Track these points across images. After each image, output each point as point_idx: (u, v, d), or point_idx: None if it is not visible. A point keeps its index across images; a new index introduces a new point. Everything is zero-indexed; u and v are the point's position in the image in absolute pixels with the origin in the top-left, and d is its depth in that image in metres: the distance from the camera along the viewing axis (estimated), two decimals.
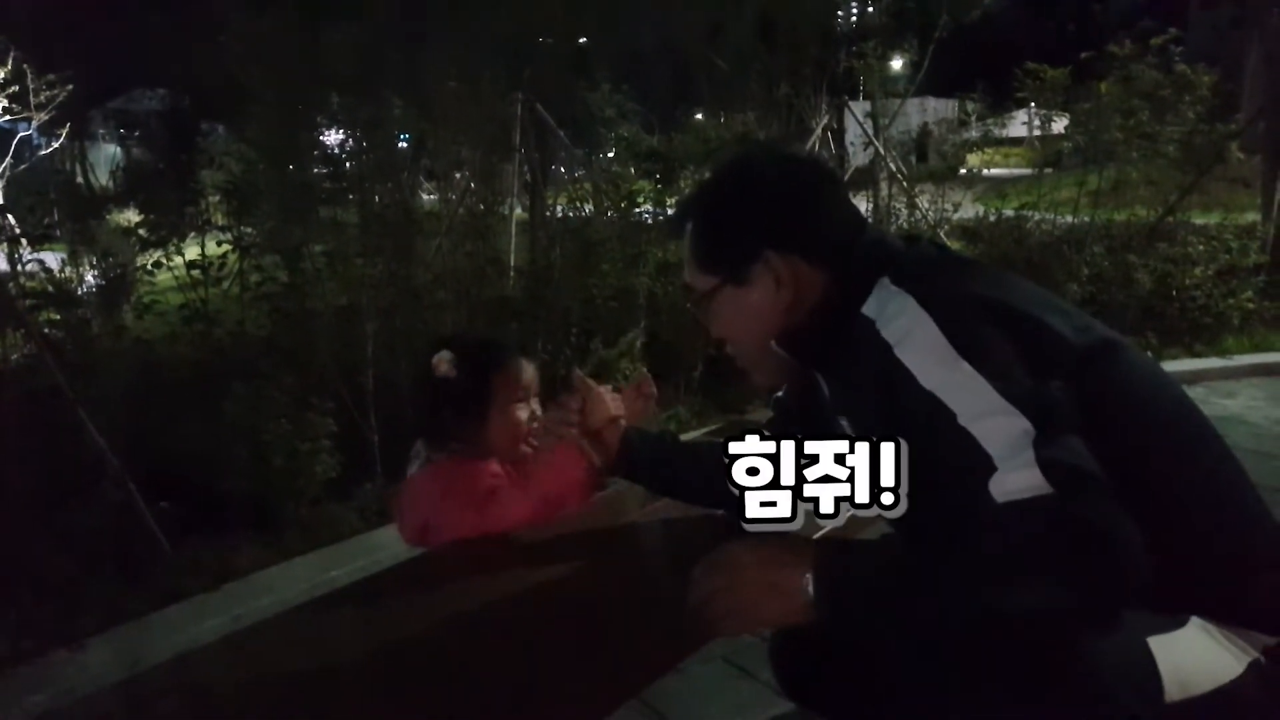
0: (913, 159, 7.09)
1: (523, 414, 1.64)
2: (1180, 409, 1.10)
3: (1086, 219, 6.60)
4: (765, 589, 0.93)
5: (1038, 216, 6.66)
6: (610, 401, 1.48)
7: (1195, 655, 0.94)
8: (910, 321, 1.00)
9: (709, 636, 1.05)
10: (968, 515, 0.90)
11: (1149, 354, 1.07)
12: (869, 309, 1.07)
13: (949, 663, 0.93)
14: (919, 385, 0.96)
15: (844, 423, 1.19)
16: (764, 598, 0.93)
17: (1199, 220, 6.85)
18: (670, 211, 5.80)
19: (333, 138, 5.03)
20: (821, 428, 1.21)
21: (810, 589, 0.91)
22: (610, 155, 6.52)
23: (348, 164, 4.75)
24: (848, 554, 0.95)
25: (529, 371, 1.68)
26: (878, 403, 1.01)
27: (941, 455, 0.93)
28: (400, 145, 5.59)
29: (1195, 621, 0.97)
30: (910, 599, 0.90)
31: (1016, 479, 0.87)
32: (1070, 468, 0.87)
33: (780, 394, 1.44)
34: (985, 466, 0.89)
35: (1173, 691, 0.91)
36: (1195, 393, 5.30)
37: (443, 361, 1.62)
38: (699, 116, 8.22)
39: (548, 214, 6.08)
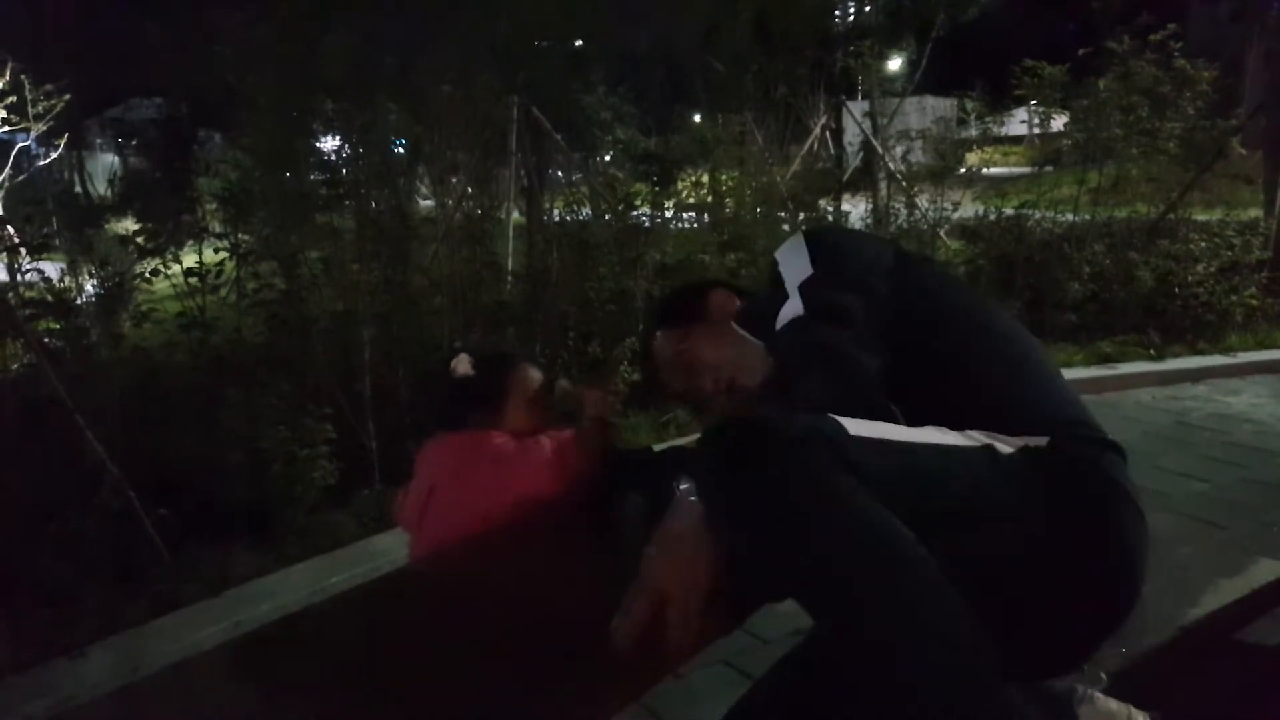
0: (911, 158, 7.07)
1: (530, 415, 1.71)
2: (968, 299, 1.39)
3: (1087, 217, 6.59)
4: (667, 535, 1.07)
5: (1038, 215, 6.64)
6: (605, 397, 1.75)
7: (894, 429, 1.11)
8: (792, 241, 1.40)
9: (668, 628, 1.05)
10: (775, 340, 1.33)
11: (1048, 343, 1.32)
12: (778, 251, 1.43)
13: None
14: (778, 271, 1.36)
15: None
16: (668, 539, 1.07)
17: (1201, 217, 6.84)
18: (668, 214, 5.82)
19: (329, 144, 5.03)
20: None
21: (693, 495, 1.08)
22: (607, 158, 6.52)
23: (344, 170, 4.75)
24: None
25: (536, 375, 1.77)
26: (768, 305, 1.38)
27: (776, 311, 1.32)
28: (396, 151, 5.59)
29: (928, 427, 1.15)
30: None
31: (788, 308, 1.29)
32: (820, 298, 1.25)
33: None
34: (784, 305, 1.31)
35: (859, 430, 1.05)
36: (1199, 390, 5.34)
37: (461, 363, 1.73)
38: (696, 118, 8.21)
39: (545, 218, 6.07)
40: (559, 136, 6.03)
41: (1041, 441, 1.16)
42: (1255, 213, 7.10)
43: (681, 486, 1.11)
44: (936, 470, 1.08)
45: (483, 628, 1.20)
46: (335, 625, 1.27)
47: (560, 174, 6.76)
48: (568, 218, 5.95)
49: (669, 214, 5.95)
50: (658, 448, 1.72)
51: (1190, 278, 6.09)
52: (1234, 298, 6.06)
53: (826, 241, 1.37)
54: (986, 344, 1.30)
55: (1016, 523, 1.09)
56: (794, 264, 1.34)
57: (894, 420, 1.15)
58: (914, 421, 1.17)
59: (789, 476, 0.97)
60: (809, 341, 1.21)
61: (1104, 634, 1.15)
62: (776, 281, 1.37)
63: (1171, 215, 6.52)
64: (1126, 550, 1.13)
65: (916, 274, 1.35)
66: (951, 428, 1.17)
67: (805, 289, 1.28)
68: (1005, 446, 1.14)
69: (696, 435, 1.65)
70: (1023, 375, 1.28)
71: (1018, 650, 1.02)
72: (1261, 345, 5.85)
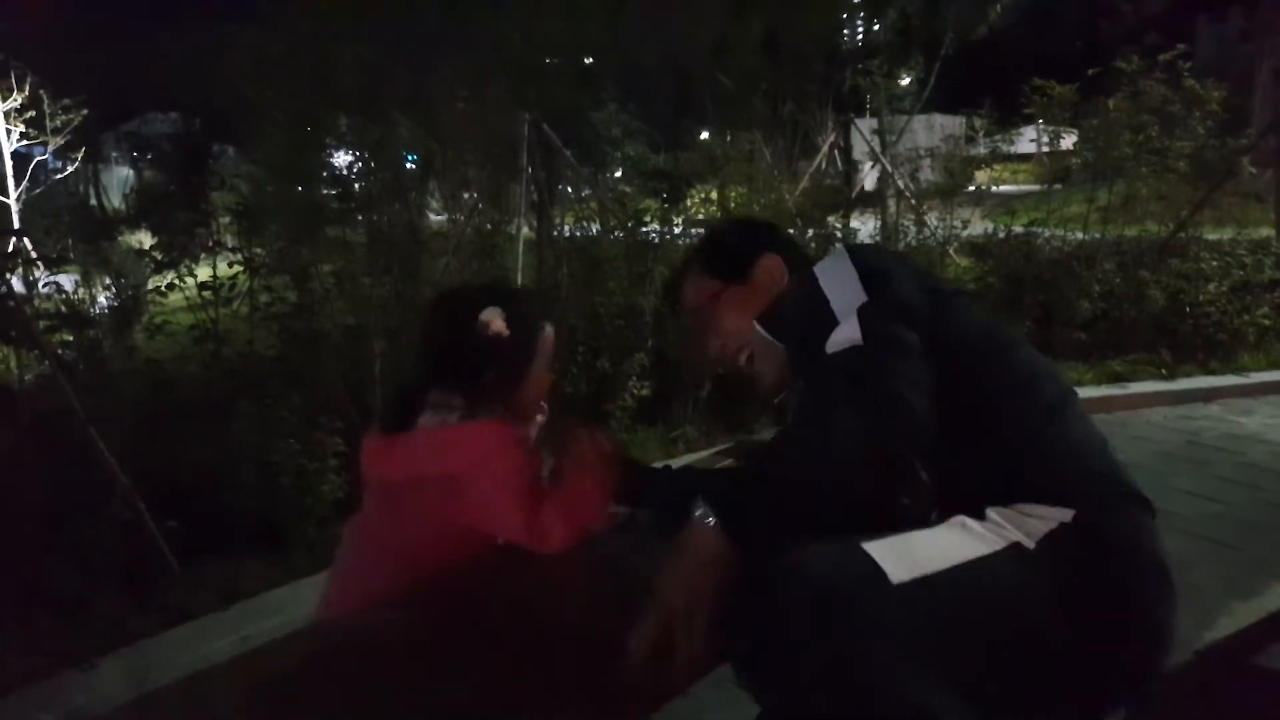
0: (920, 176, 7.08)
1: (544, 383, 1.61)
2: (1000, 342, 1.31)
3: (1097, 235, 6.58)
4: (686, 560, 1.09)
5: (1047, 233, 6.63)
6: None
7: (927, 544, 1.08)
8: (833, 258, 1.33)
9: (676, 646, 1.07)
10: (817, 365, 1.22)
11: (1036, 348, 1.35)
12: (817, 266, 1.35)
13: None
14: (820, 287, 1.27)
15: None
16: (681, 559, 1.10)
17: (1211, 236, 6.82)
18: (677, 230, 5.84)
19: (341, 159, 5.07)
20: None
21: (710, 518, 1.10)
22: (617, 174, 6.54)
23: (356, 185, 4.79)
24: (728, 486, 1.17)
25: (551, 331, 1.64)
26: (804, 324, 1.29)
27: (815, 332, 1.23)
28: (408, 166, 5.63)
29: (955, 520, 1.12)
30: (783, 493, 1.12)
31: (842, 333, 1.20)
32: (882, 329, 1.18)
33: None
34: (830, 324, 1.22)
35: (898, 573, 1.00)
36: (1211, 410, 5.31)
37: (495, 319, 1.52)
38: (705, 135, 8.25)
39: (554, 233, 6.09)
40: (569, 152, 6.06)
41: (1066, 516, 1.13)
42: (1266, 231, 7.08)
43: (697, 510, 1.12)
44: (971, 596, 1.06)
45: (491, 644, 1.20)
46: (343, 639, 1.27)
47: (570, 189, 6.79)
48: (577, 233, 5.97)
49: (678, 230, 5.96)
50: (673, 464, 1.70)
51: (1201, 297, 6.07)
52: (1246, 317, 6.04)
53: (874, 265, 1.29)
54: (1017, 386, 1.26)
55: (1045, 618, 1.09)
56: (842, 285, 1.27)
57: (918, 478, 1.14)
58: (937, 462, 1.17)
59: (835, 655, 0.95)
60: (871, 374, 1.14)
61: (1126, 698, 1.17)
62: (814, 297, 1.28)
63: (1182, 234, 6.51)
64: (1154, 627, 1.15)
65: (951, 308, 1.30)
66: (974, 471, 1.17)
67: (865, 317, 1.21)
68: (1028, 540, 1.11)
69: (707, 453, 1.63)
70: (1051, 421, 1.24)
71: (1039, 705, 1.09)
72: (1274, 365, 5.82)
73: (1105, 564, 1.13)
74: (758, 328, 1.44)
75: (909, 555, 1.04)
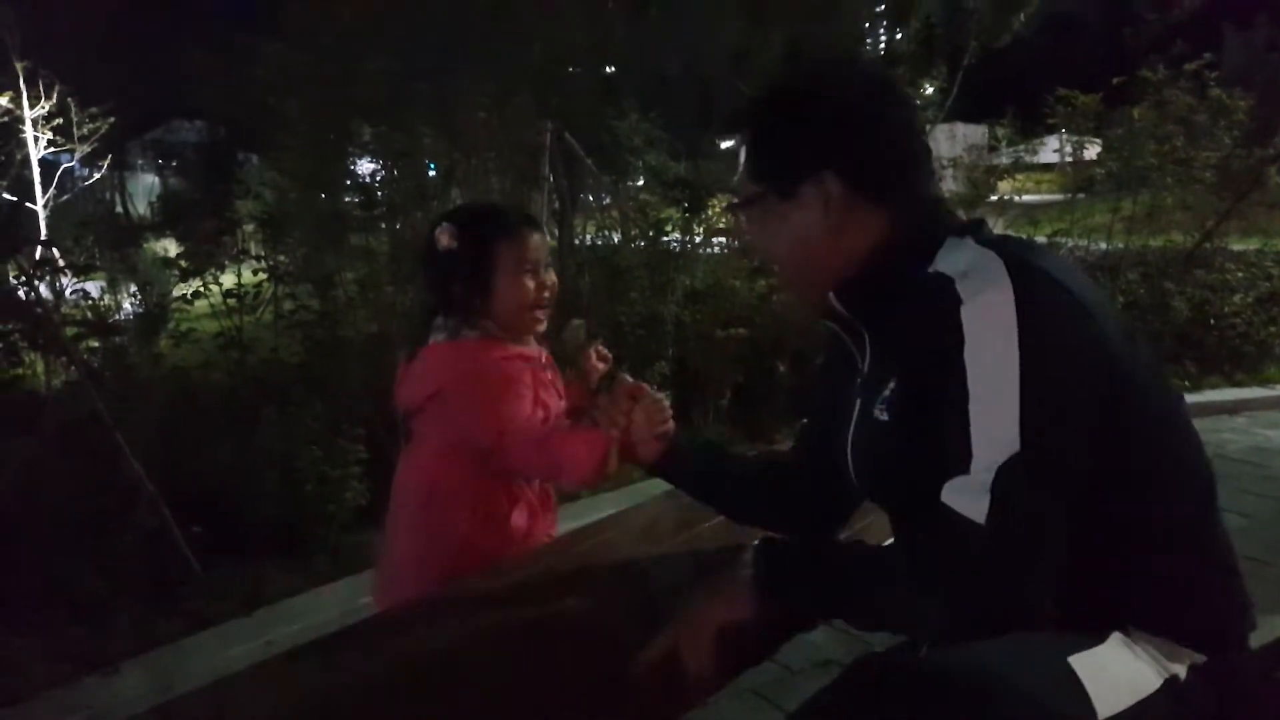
0: (943, 185, 7.05)
1: (530, 283, 1.61)
2: (1185, 437, 1.06)
3: (1121, 245, 6.53)
4: (714, 595, 1.08)
5: (1071, 243, 6.59)
6: (662, 412, 1.39)
7: (1116, 670, 0.93)
8: (988, 282, 0.93)
9: (687, 663, 1.06)
10: (918, 500, 0.94)
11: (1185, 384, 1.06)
12: (947, 265, 0.99)
13: None
14: (959, 354, 0.91)
15: (885, 396, 1.07)
16: (712, 601, 1.07)
17: (1237, 246, 6.75)
18: (698, 239, 5.83)
19: (364, 167, 5.12)
20: (845, 410, 1.17)
21: (749, 573, 1.06)
22: (639, 183, 6.56)
23: (379, 193, 4.83)
24: (782, 546, 1.10)
25: (534, 239, 1.64)
26: (927, 359, 0.96)
27: (942, 434, 0.93)
28: (430, 174, 5.67)
29: (1116, 636, 0.96)
30: (838, 588, 1.03)
31: (966, 491, 0.90)
32: (1019, 514, 0.89)
33: (804, 420, 1.43)
34: (960, 463, 0.91)
35: (1103, 710, 0.88)
36: (1237, 423, 5.25)
37: (444, 234, 1.59)
38: (726, 144, 8.25)
39: (576, 242, 6.12)
40: (590, 161, 6.09)
41: (1198, 659, 0.98)
42: None
43: (746, 556, 1.10)
44: None
45: (510, 655, 1.20)
46: (366, 645, 1.28)
47: (591, 198, 6.81)
48: (598, 242, 5.99)
49: (699, 239, 5.97)
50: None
51: (1227, 308, 6.00)
52: (1272, 329, 5.97)
53: (1044, 306, 0.92)
54: (1182, 491, 1.03)
55: None
56: (992, 341, 0.91)
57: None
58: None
59: None
60: (1017, 513, 0.89)
61: None
62: (933, 320, 0.95)
63: (1207, 244, 6.44)
64: None
65: (1142, 375, 1.00)
66: (1108, 569, 0.97)
67: (1028, 420, 0.88)
68: (1179, 666, 0.97)
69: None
70: (1202, 509, 1.04)
71: None
72: None
73: (1247, 700, 1.00)
74: (833, 301, 1.11)
75: (1106, 685, 0.90)
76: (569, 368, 1.81)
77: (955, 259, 1.00)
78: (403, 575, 1.67)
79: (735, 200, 1.19)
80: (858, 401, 1.14)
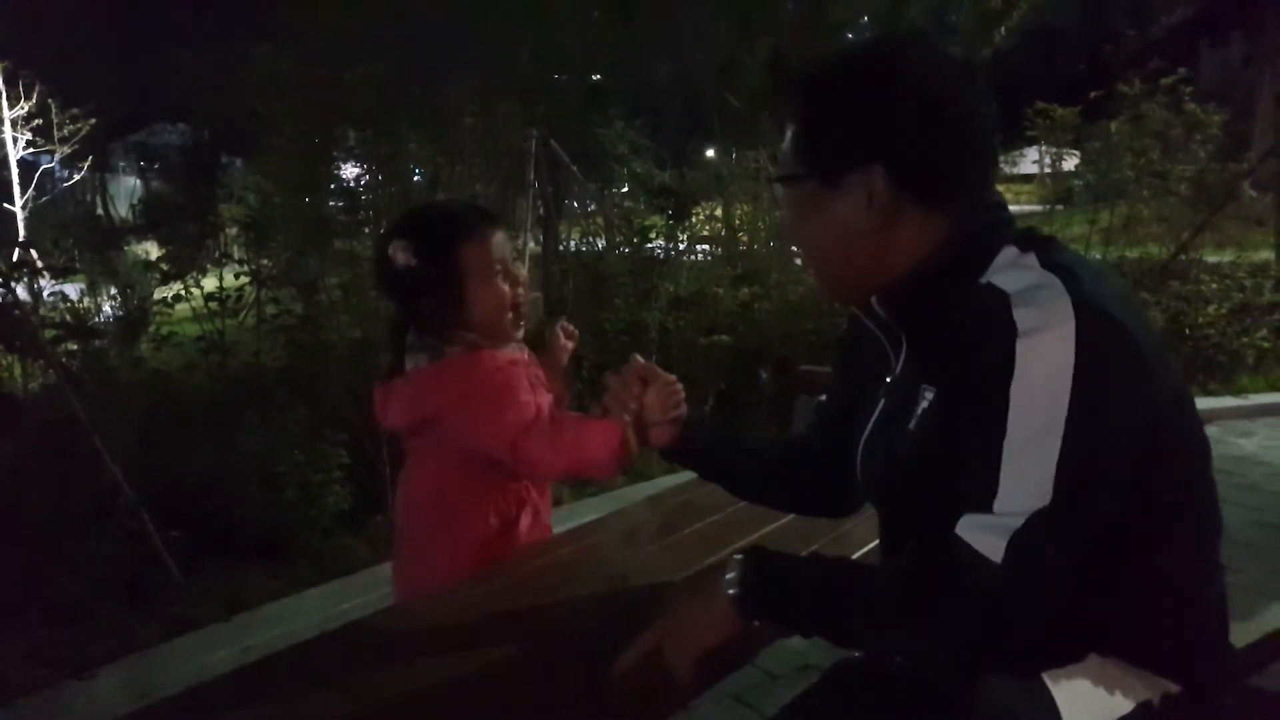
0: None
1: (504, 284, 1.53)
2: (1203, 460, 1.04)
3: (1098, 256, 6.61)
4: (697, 609, 1.03)
5: None
6: (675, 394, 1.34)
7: (1090, 691, 0.93)
8: (1050, 317, 0.86)
9: (668, 673, 1.05)
10: (926, 517, 0.92)
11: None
12: (1005, 282, 0.91)
13: None
14: (1005, 386, 0.85)
15: (926, 395, 1.01)
16: (695, 616, 1.02)
17: (1212, 258, 6.84)
18: (682, 246, 5.85)
19: (349, 171, 5.11)
20: (867, 406, 1.14)
21: (731, 589, 0.99)
22: (623, 190, 6.58)
23: (364, 197, 4.82)
24: (767, 566, 1.01)
25: (497, 237, 1.55)
26: (970, 381, 0.90)
27: (967, 459, 0.88)
28: (415, 179, 5.67)
29: (1094, 658, 0.95)
30: (823, 610, 0.96)
31: (986, 530, 0.85)
32: (1036, 568, 0.84)
33: (823, 397, 1.37)
34: (983, 499, 0.86)
35: None
36: (1210, 432, 5.22)
37: (399, 250, 1.49)
38: (710, 153, 8.29)
39: (560, 248, 6.13)
40: (576, 168, 6.11)
41: (1171, 688, 0.97)
42: (1266, 255, 7.11)
43: (729, 573, 1.02)
44: None
45: (492, 660, 1.21)
46: (346, 651, 1.28)
47: (576, 205, 6.83)
48: (583, 248, 6.01)
49: (683, 246, 6.00)
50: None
51: (1201, 319, 6.08)
52: (1245, 339, 6.05)
53: (1104, 362, 0.86)
54: (1197, 518, 1.00)
55: None
56: (1045, 385, 0.85)
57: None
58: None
59: None
60: (1034, 566, 0.84)
61: None
62: (984, 342, 0.89)
63: (1183, 256, 6.53)
64: None
65: (1186, 420, 0.97)
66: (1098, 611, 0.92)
67: (1064, 475, 0.83)
68: (1154, 694, 0.96)
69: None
70: (1205, 551, 1.01)
71: None
72: (1273, 387, 5.82)
73: None
74: (875, 305, 1.04)
75: (1079, 706, 0.91)
76: (540, 351, 1.74)
77: (1014, 276, 0.92)
78: (425, 588, 1.60)
79: (776, 174, 1.11)
80: (881, 402, 1.10)
